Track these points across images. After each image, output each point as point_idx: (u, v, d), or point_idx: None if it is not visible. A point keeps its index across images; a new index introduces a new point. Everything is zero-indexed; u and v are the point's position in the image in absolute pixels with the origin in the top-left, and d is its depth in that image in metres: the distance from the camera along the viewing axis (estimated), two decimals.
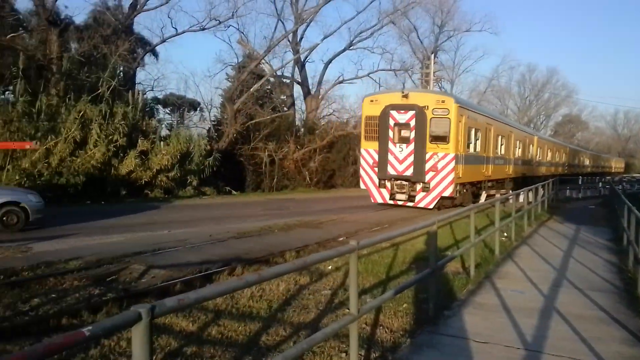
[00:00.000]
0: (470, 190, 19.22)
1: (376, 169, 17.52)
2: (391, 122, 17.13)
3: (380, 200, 18.07)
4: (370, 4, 41.01)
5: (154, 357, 4.61)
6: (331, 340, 4.96)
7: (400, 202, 17.54)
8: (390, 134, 17.14)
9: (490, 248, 10.10)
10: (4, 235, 11.01)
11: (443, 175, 16.56)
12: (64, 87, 22.89)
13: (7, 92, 23.06)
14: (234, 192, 28.03)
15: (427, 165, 16.62)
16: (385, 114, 17.19)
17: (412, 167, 16.84)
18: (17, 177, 18.58)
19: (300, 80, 40.26)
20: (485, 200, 17.67)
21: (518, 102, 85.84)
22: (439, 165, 16.53)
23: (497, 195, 18.61)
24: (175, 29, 30.89)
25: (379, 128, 17.26)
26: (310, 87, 40.68)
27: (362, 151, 18.35)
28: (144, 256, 9.14)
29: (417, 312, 6.05)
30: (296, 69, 39.88)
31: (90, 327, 1.98)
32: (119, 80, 25.51)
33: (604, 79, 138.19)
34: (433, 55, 48.64)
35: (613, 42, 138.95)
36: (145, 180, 22.87)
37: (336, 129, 34.99)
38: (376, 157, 17.52)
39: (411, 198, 17.24)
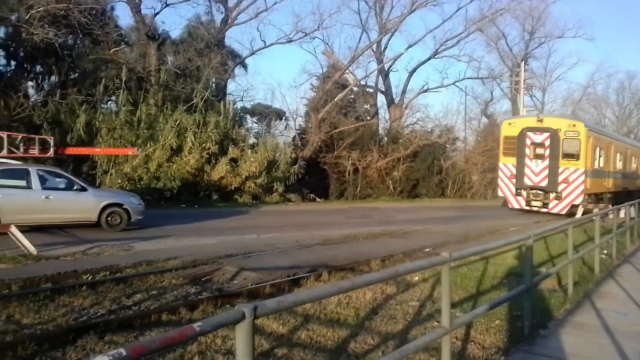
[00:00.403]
0: (593, 200, 21.55)
1: (514, 180, 20.24)
2: (527, 142, 19.91)
3: (517, 206, 20.56)
4: (456, 12, 40.34)
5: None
6: (420, 353, 4.91)
7: (535, 208, 20.05)
8: (527, 151, 19.90)
9: (589, 266, 9.50)
10: (107, 235, 11.91)
11: (574, 186, 19.04)
12: (162, 98, 24.51)
13: (109, 102, 25.03)
14: (317, 199, 28.49)
15: (560, 178, 19.16)
16: (522, 135, 20.09)
17: (546, 179, 19.49)
18: (119, 181, 20.07)
19: (384, 90, 40.17)
20: (582, 215, 16.67)
21: (617, 111, 79.98)
22: (570, 178, 19.03)
23: (595, 210, 17.49)
24: (264, 41, 32.01)
25: (517, 146, 20.12)
26: (393, 96, 40.48)
27: (501, 165, 21.34)
28: (235, 258, 9.54)
29: (510, 330, 5.83)
30: (380, 78, 39.85)
31: (199, 323, 2.11)
32: (212, 91, 26.92)
33: None
34: (523, 62, 46.65)
35: None
36: (235, 186, 23.89)
37: (420, 138, 34.50)
38: (514, 170, 20.32)
39: (545, 205, 19.62)
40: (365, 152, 31.74)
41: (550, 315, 6.45)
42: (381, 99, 41.12)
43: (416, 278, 8.28)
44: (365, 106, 39.69)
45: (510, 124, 21.70)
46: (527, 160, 19.85)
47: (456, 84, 43.20)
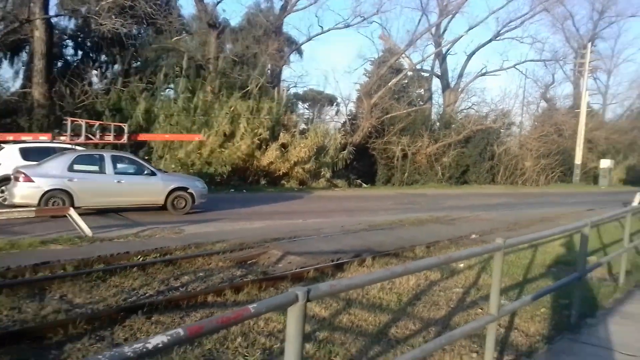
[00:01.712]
0: None
1: None
2: None
3: None
4: None
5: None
6: (461, 339, 4.90)
7: None
8: None
9: None
10: (160, 217, 12.39)
11: None
12: (219, 85, 25.02)
13: (168, 90, 25.83)
14: (364, 185, 28.44)
15: None
16: None
17: None
18: (172, 166, 20.74)
19: (440, 74, 39.43)
20: (639, 202, 15.96)
21: None
22: None
23: None
24: (321, 27, 32.18)
25: None
26: (449, 80, 39.66)
27: None
28: (281, 242, 9.72)
29: (556, 318, 5.72)
30: (436, 62, 39.10)
31: (255, 305, 2.16)
32: (267, 77, 27.25)
33: None
34: (590, 43, 44.52)
35: None
36: (283, 171, 24.19)
37: (474, 123, 33.71)
38: None
39: None
40: (415, 138, 31.33)
41: (599, 304, 6.27)
42: (436, 83, 40.48)
43: (461, 265, 8.20)
44: (419, 91, 39.13)
45: None
46: None
47: (517, 66, 41.86)
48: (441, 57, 38.54)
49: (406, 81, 37.26)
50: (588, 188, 35.79)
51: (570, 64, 47.08)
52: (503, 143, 35.77)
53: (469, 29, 37.20)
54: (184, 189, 13.36)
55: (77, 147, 14.36)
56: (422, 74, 39.17)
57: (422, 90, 39.09)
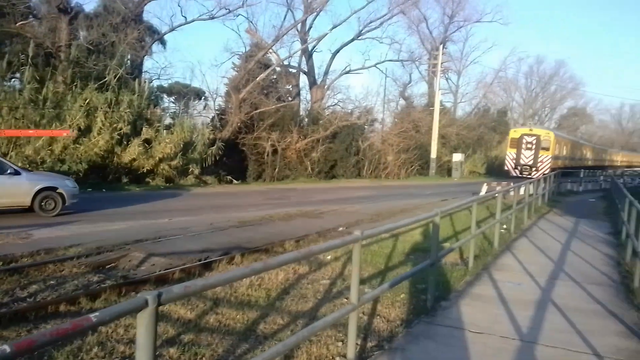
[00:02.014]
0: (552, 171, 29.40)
1: (513, 161, 32.88)
2: (523, 141, 32.72)
3: (514, 174, 31.72)
4: None
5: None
6: (328, 329, 5.00)
7: (525, 174, 30.47)
8: (524, 145, 32.59)
9: (489, 240, 10.11)
10: (2, 222, 11.08)
11: (546, 165, 31.66)
12: (71, 75, 22.92)
13: (13, 80, 23.11)
14: (235, 181, 28.10)
15: (539, 159, 31.97)
16: (520, 137, 33.09)
17: (531, 160, 32.23)
18: (19, 164, 18.65)
19: (306, 70, 40.14)
20: (486, 192, 17.72)
21: (524, 95, 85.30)
22: (545, 161, 32.03)
23: (498, 188, 18.68)
24: (185, 17, 30.82)
25: (517, 143, 32.86)
26: (316, 77, 40.58)
27: (508, 153, 34.11)
28: (144, 244, 9.20)
29: (414, 303, 6.09)
30: (303, 58, 39.76)
31: (97, 314, 1.97)
32: (126, 68, 25.57)
33: (612, 72, 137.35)
34: (442, 45, 48.30)
35: (621, 35, 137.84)
36: (147, 168, 22.97)
37: (340, 119, 34.91)
38: (514, 155, 32.94)
39: (530, 173, 30.32)
40: (285, 133, 31.63)
41: (452, 287, 6.79)
42: (303, 80, 41.16)
43: (329, 257, 8.41)
44: (288, 87, 39.52)
45: (514, 131, 35.35)
46: (523, 150, 32.53)
47: (377, 65, 44.08)
48: (307, 54, 39.35)
49: (275, 77, 37.47)
50: (443, 180, 38.96)
51: (425, 65, 50.84)
52: (367, 139, 37.56)
53: (333, 28, 38.33)
54: (53, 188, 12.30)
55: None
56: (290, 70, 39.68)
57: (291, 86, 39.59)
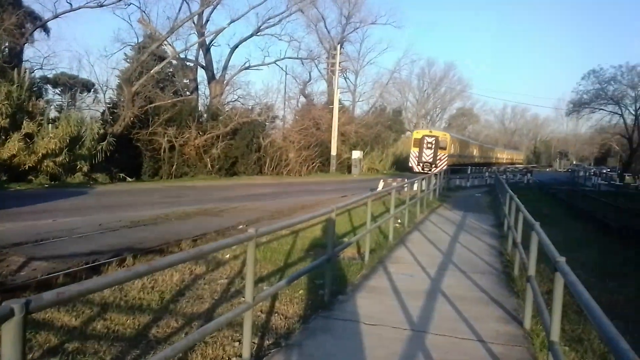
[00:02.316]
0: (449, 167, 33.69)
1: (416, 158, 37.22)
2: (424, 141, 37.34)
3: (417, 170, 35.21)
4: None
5: (31, 356, 4.29)
6: (225, 330, 4.89)
7: (426, 170, 32.85)
8: (425, 145, 37.08)
9: (385, 234, 10.49)
10: None
11: (444, 162, 35.58)
12: None
13: None
14: (128, 178, 26.71)
15: (438, 157, 36.20)
16: (422, 138, 37.86)
17: (431, 158, 36.67)
18: None
19: (204, 64, 39.18)
20: (382, 188, 18.39)
21: (417, 95, 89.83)
22: (443, 158, 36.29)
23: (394, 184, 19.50)
24: (70, 4, 28.66)
25: (419, 143, 37.38)
26: (215, 72, 39.77)
27: (412, 151, 38.73)
28: (24, 247, 8.45)
29: (312, 298, 6.13)
30: (201, 52, 38.75)
31: None
32: (4, 56, 23.33)
33: (495, 75, 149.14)
34: (339, 45, 49.32)
35: (504, 41, 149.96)
36: (30, 165, 21.14)
37: (240, 115, 34.48)
38: (417, 154, 37.51)
39: (430, 169, 33.42)
40: (182, 129, 30.64)
41: (349, 281, 6.95)
42: (202, 74, 40.18)
43: (227, 256, 8.25)
44: (185, 81, 38.33)
45: (417, 132, 40.52)
46: (424, 150, 36.99)
47: (277, 62, 44.09)
48: (205, 48, 38.43)
49: (171, 70, 36.20)
50: (343, 177, 39.89)
51: (323, 64, 51.69)
52: (268, 135, 37.48)
53: (231, 22, 37.86)
54: None
55: None
56: (187, 63, 38.53)
57: (188, 80, 38.45)
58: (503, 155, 75.86)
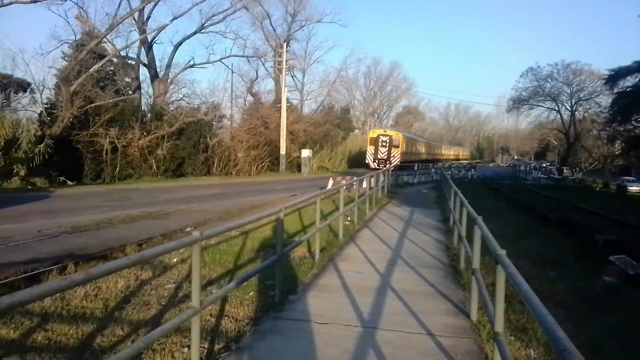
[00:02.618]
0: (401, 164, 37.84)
1: (372, 156, 40.06)
2: (380, 140, 40.32)
3: (373, 166, 37.06)
4: None
5: None
6: (173, 336, 4.77)
7: (381, 167, 32.37)
8: (380, 144, 39.97)
9: (335, 232, 10.54)
10: None
11: (397, 159, 38.58)
12: None
13: None
14: (69, 182, 25.65)
15: (392, 154, 39.12)
16: (377, 137, 41.00)
17: (386, 155, 39.54)
18: None
19: (147, 62, 38.11)
20: (331, 186, 18.49)
21: (364, 93, 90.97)
22: (396, 156, 39.24)
23: (343, 182, 19.64)
24: None
25: (375, 142, 40.23)
26: (158, 70, 38.78)
27: (368, 149, 41.70)
28: None
29: (263, 299, 6.08)
30: (142, 50, 37.68)
31: None
32: None
33: (439, 74, 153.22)
34: (285, 43, 49.16)
35: (446, 39, 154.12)
36: None
37: (186, 114, 33.79)
38: (373, 151, 40.48)
39: (385, 165, 32.86)
40: (125, 130, 29.70)
41: (300, 281, 6.93)
42: (144, 73, 39.06)
43: (175, 259, 8.06)
44: (127, 79, 37.16)
45: (372, 132, 43.73)
46: (379, 148, 39.74)
47: (222, 61, 43.47)
48: (147, 46, 37.41)
49: (112, 68, 35.04)
50: (293, 176, 39.79)
51: (270, 62, 51.41)
52: (216, 135, 36.90)
53: (174, 19, 36.88)
54: None
55: None
56: (129, 61, 37.39)
57: (130, 79, 37.31)
58: (450, 152, 78.46)
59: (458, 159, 74.74)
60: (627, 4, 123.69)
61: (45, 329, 5.09)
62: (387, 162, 37.20)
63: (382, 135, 41.07)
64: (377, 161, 39.15)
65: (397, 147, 40.39)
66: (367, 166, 40.29)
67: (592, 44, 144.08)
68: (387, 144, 39.70)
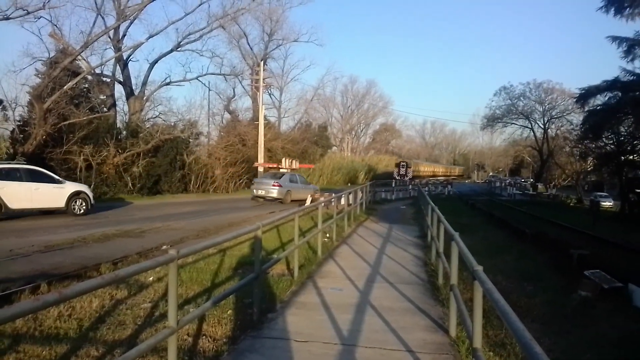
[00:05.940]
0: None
1: (397, 173, 48.10)
2: (400, 164, 49.17)
3: (398, 179, 46.75)
4: (199, 7, 40.14)
5: None
6: (150, 356, 4.68)
7: (401, 178, 46.95)
8: (401, 166, 48.54)
9: (313, 249, 10.51)
10: None
11: (410, 175, 48.11)
12: None
13: None
14: None
15: (407, 173, 47.78)
16: (399, 162, 50.12)
17: (404, 172, 47.71)
18: None
19: (122, 80, 37.78)
20: (310, 203, 18.50)
21: (341, 111, 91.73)
22: (409, 173, 48.02)
23: (322, 199, 19.68)
24: None
25: (398, 165, 49.65)
26: (133, 88, 38.46)
27: (395, 170, 49.84)
28: None
29: (241, 318, 6.01)
30: (118, 67, 37.35)
31: None
32: None
33: (415, 92, 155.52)
34: (262, 62, 49.34)
35: (422, 59, 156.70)
36: None
37: (162, 132, 33.49)
38: (397, 170, 48.74)
39: (404, 178, 46.85)
40: (100, 147, 29.26)
41: (278, 298, 6.88)
42: (120, 90, 38.64)
43: (151, 278, 7.93)
44: (102, 97, 36.71)
45: (397, 159, 56.04)
46: (400, 169, 47.72)
47: (199, 78, 43.35)
48: (122, 63, 37.14)
49: (86, 85, 34.62)
50: None
51: (247, 80, 51.48)
52: (193, 152, 36.63)
53: (150, 37, 36.68)
54: None
55: None
56: (104, 79, 37.02)
57: (105, 96, 36.91)
58: (445, 169, 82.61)
59: (435, 176, 76.26)
60: (596, 25, 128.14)
61: (17, 351, 4.94)
62: (405, 176, 48.96)
63: (402, 162, 51.86)
64: (399, 175, 49.21)
65: (410, 167, 50.86)
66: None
67: (563, 64, 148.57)
68: (405, 166, 50.05)
